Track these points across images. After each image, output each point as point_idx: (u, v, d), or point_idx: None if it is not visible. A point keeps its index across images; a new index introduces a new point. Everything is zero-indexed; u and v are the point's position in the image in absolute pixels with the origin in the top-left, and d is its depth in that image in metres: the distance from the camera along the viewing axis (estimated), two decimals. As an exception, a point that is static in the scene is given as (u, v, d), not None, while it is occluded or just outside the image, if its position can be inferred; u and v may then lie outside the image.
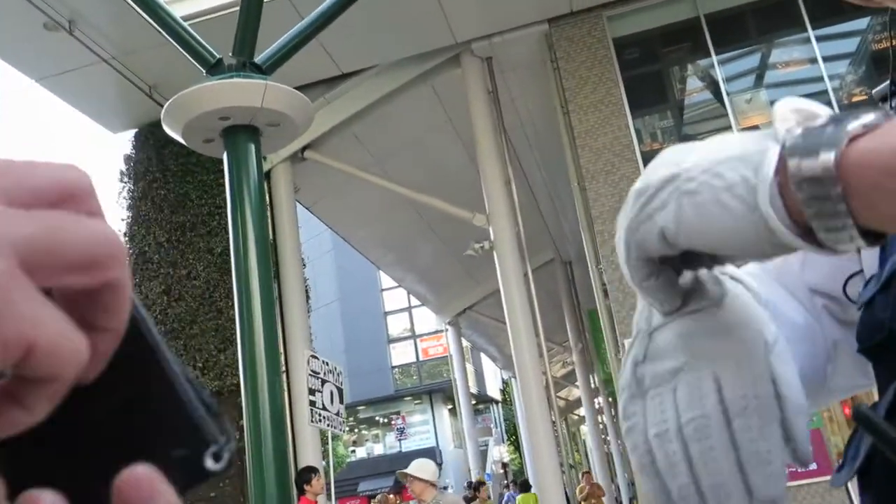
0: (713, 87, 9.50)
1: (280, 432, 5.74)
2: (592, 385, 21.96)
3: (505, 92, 10.52)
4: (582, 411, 25.84)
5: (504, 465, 37.33)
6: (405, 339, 35.00)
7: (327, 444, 8.29)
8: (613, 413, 23.02)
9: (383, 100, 10.41)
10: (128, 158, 10.70)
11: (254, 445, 5.72)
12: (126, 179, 10.62)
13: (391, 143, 11.73)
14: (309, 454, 8.75)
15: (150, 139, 10.35)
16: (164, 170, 10.26)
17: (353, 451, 35.33)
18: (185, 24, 6.04)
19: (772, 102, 9.28)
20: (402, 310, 34.80)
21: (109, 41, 8.91)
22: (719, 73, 9.37)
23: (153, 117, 8.78)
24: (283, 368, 6.86)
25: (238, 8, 6.06)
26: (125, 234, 10.31)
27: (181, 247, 9.87)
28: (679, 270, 0.54)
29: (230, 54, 6.01)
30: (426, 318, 32.47)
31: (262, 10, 6.04)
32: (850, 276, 0.69)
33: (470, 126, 10.09)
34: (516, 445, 35.35)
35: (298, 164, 10.47)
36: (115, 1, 6.82)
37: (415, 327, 34.91)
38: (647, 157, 9.07)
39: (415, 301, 28.57)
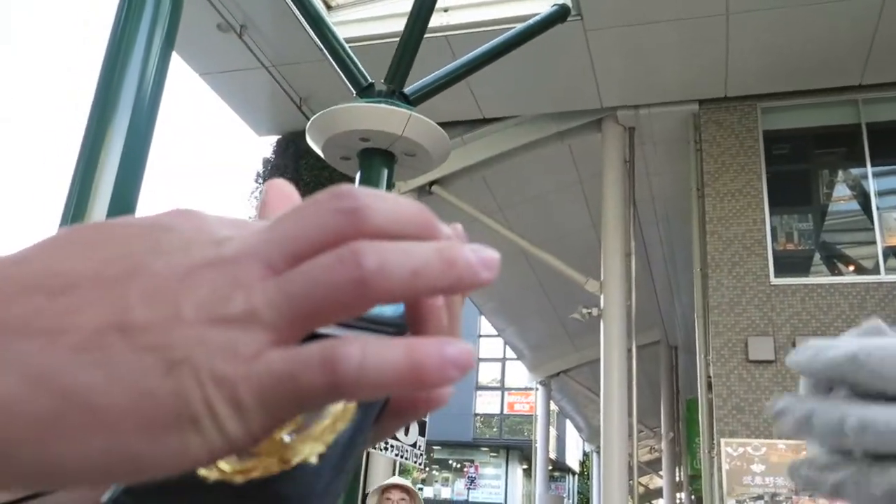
0: (863, 198, 9.05)
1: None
2: (678, 478, 21.02)
3: (641, 164, 10.38)
4: (661, 502, 24.76)
5: (568, 540, 36.18)
6: (493, 389, 34.67)
7: (394, 473, 8.24)
8: (692, 512, 21.92)
9: (518, 150, 10.47)
10: (266, 162, 11.17)
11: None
12: (261, 181, 11.08)
13: (517, 194, 11.75)
14: (378, 480, 8.72)
15: (291, 148, 10.78)
16: (297, 179, 10.64)
17: (421, 490, 35.06)
18: (347, 46, 6.28)
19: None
20: (495, 359, 34.55)
21: (273, 50, 9.38)
22: (872, 186, 8.92)
23: (297, 127, 9.14)
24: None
25: (398, 39, 6.26)
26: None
27: (299, 255, 10.17)
28: None
29: (382, 80, 6.19)
30: (517, 373, 32.08)
31: (420, 45, 6.21)
32: None
33: (599, 191, 10.00)
34: (584, 522, 34.20)
35: (424, 196, 10.63)
36: (286, 13, 7.19)
37: (505, 379, 34.54)
38: (779, 256, 8.69)
39: (509, 353, 28.30)
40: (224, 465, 0.27)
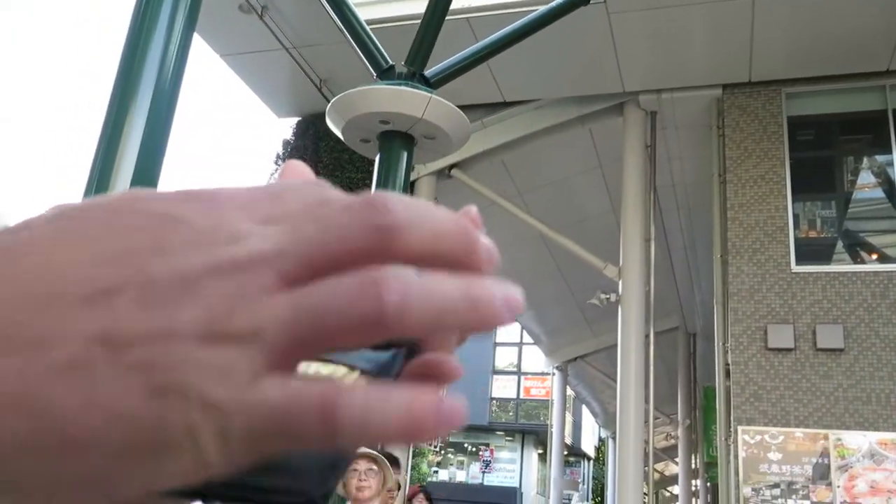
0: (888, 186, 8.93)
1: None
2: (693, 465, 20.99)
3: (663, 149, 10.29)
4: (676, 489, 24.76)
5: (583, 524, 36.30)
6: (510, 373, 34.73)
7: (407, 457, 8.29)
8: (709, 499, 21.91)
9: (539, 134, 10.41)
10: (286, 144, 11.19)
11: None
12: (280, 163, 11.10)
13: (537, 178, 11.71)
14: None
15: (311, 130, 10.79)
16: (317, 161, 10.65)
17: (436, 472, 35.28)
18: (368, 28, 6.26)
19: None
20: (512, 344, 34.58)
21: (294, 31, 9.37)
22: (897, 172, 8.80)
23: (317, 109, 9.14)
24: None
25: (419, 21, 6.23)
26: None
27: (319, 237, 10.20)
28: None
29: (402, 63, 6.17)
30: (534, 358, 32.11)
31: (441, 27, 6.17)
32: None
33: (620, 176, 9.93)
34: (599, 507, 34.29)
35: (444, 180, 10.62)
36: (308, -5, 7.17)
37: (521, 364, 34.58)
38: (801, 244, 8.61)
39: (526, 338, 28.31)
40: None
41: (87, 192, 3.76)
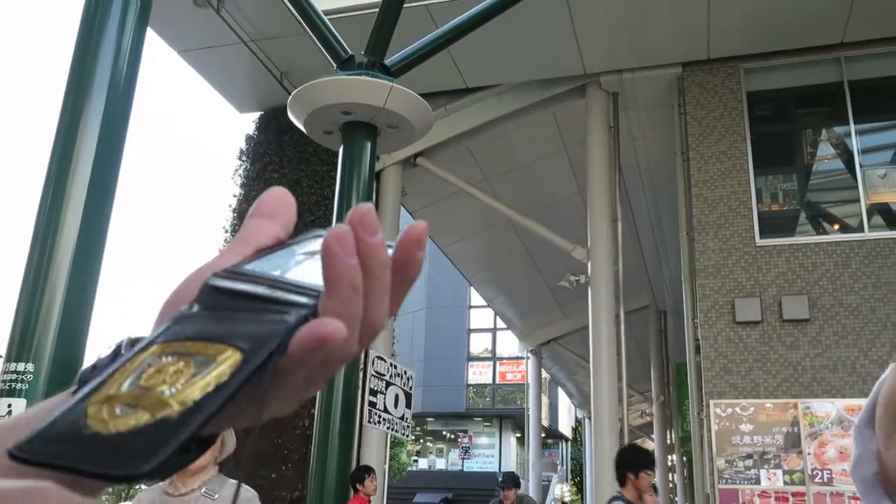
0: (846, 156, 9.07)
1: (348, 426, 5.79)
2: (668, 440, 21.27)
3: (626, 129, 10.36)
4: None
5: (563, 504, 36.62)
6: (485, 359, 34.85)
7: (386, 447, 8.33)
8: (686, 473, 22.22)
9: (502, 119, 10.42)
10: (249, 139, 11.08)
11: (321, 434, 5.78)
12: (244, 158, 11.00)
13: (503, 163, 11.73)
14: (372, 454, 8.78)
15: (273, 124, 10.69)
16: (281, 155, 10.57)
17: (416, 461, 35.36)
18: (325, 18, 6.21)
19: (908, 181, 8.82)
20: (486, 329, 34.68)
21: (251, 25, 9.26)
22: (855, 144, 8.94)
23: (279, 103, 9.06)
24: (362, 366, 6.91)
25: (377, 10, 6.19)
26: (234, 209, 10.67)
27: (285, 231, 10.13)
28: None
29: (362, 53, 6.14)
30: (508, 342, 32.26)
31: (400, 15, 6.15)
32: None
33: (585, 158, 9.99)
34: (579, 487, 34.62)
35: (409, 168, 10.59)
36: (264, -13, 7.09)
37: (496, 349, 34.72)
38: (764, 217, 8.73)
39: (500, 323, 28.42)
40: (104, 415, 0.29)
41: (45, 196, 3.70)
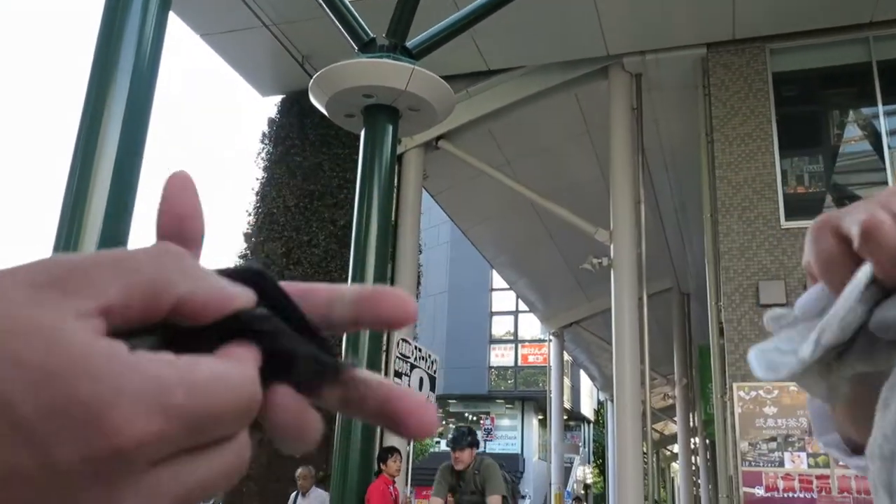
0: (874, 138, 8.93)
1: (370, 410, 5.84)
2: (691, 423, 21.22)
3: (649, 111, 10.27)
4: (676, 448, 25.04)
5: (586, 487, 36.70)
6: (507, 342, 34.91)
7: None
8: (708, 456, 22.17)
9: (524, 101, 10.37)
10: (271, 122, 11.13)
11: (344, 417, 5.83)
12: (266, 142, 11.05)
13: (525, 146, 11.68)
14: (395, 435, 8.84)
15: (295, 107, 10.73)
16: (303, 138, 10.60)
17: (438, 443, 35.57)
18: (347, 1, 6.20)
19: (937, 162, 8.67)
20: (508, 312, 34.72)
21: (273, 8, 9.27)
22: (884, 125, 8.80)
23: (301, 86, 9.07)
24: (384, 347, 6.95)
25: (399, -9, 6.17)
26: (257, 193, 10.74)
27: (307, 214, 10.18)
28: None
29: (384, 35, 6.13)
30: (530, 325, 32.27)
31: (421, -4, 6.12)
32: None
33: (607, 140, 9.92)
34: (601, 469, 34.68)
35: (431, 151, 10.59)
36: (285, -30, 7.09)
37: (518, 332, 34.76)
38: (789, 200, 8.63)
39: (522, 306, 28.42)
40: None
41: (70, 182, 3.74)
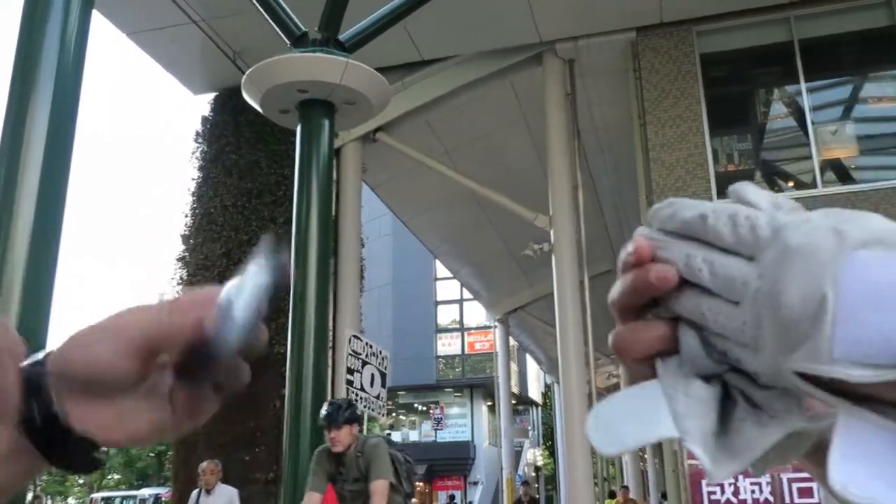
0: (798, 114, 9.23)
1: (319, 405, 5.79)
2: (636, 401, 21.60)
3: (583, 96, 10.40)
4: (621, 426, 25.44)
5: (537, 469, 37.17)
6: (453, 330, 35.05)
7: (363, 423, 8.35)
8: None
9: (460, 91, 10.40)
10: (205, 120, 10.92)
11: (293, 415, 5.79)
12: (200, 141, 10.85)
13: (462, 135, 11.72)
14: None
15: (229, 104, 10.54)
16: (238, 136, 10.44)
17: (389, 435, 35.56)
18: (276, -5, 6.12)
19: (858, 137, 9.00)
20: (453, 301, 34.85)
21: (201, 4, 9.09)
22: (806, 102, 9.09)
23: (234, 83, 8.93)
24: (330, 344, 6.92)
25: (328, -16, 6.11)
26: (193, 193, 10.54)
27: (245, 213, 10.04)
28: None
29: (316, 29, 6.07)
30: (476, 313, 32.44)
31: (351, -11, 6.08)
32: None
33: (543, 126, 10.02)
34: (551, 451, 35.17)
35: (369, 144, 10.54)
36: (211, -35, 6.96)
37: (464, 320, 34.93)
38: (721, 178, 8.86)
39: (466, 294, 28.54)
40: None
41: (-2, 187, 3.63)
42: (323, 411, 4.43)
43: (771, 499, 7.68)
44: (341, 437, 4.31)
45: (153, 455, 35.35)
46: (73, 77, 3.81)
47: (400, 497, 4.35)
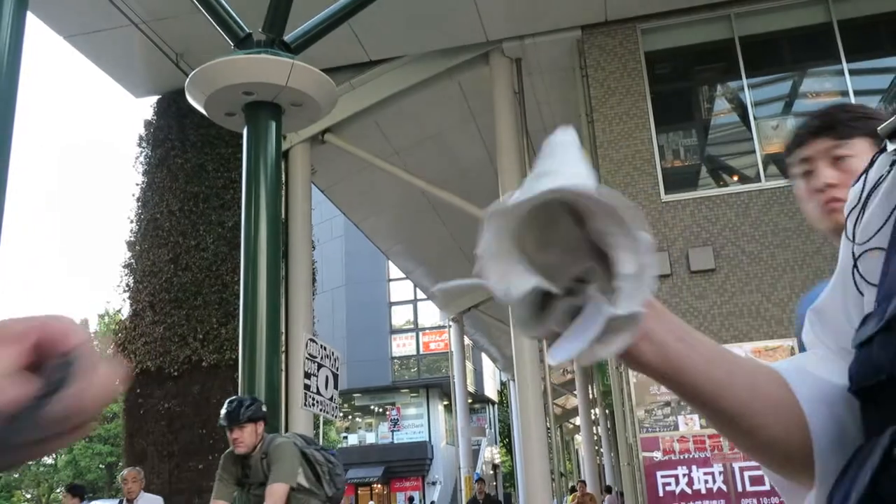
0: (741, 110, 9.42)
1: (273, 411, 5.72)
2: (591, 395, 21.91)
3: (531, 94, 10.47)
4: (578, 420, 25.79)
5: (495, 467, 37.34)
6: (407, 331, 35.01)
7: (319, 427, 8.29)
8: (609, 425, 22.95)
9: (408, 91, 10.37)
10: (148, 124, 10.70)
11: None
12: (144, 145, 10.63)
13: (412, 135, 11.70)
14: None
15: (173, 107, 10.35)
16: (183, 139, 10.26)
17: (346, 438, 35.38)
18: (218, -4, 6.03)
19: (798, 130, 9.23)
20: (406, 301, 34.81)
21: (141, 5, 8.91)
22: (748, 97, 9.29)
23: (177, 85, 8.77)
24: (283, 348, 6.84)
25: (272, -16, 6.04)
26: (138, 199, 10.32)
27: (193, 217, 9.87)
28: None
29: (260, 30, 6.00)
30: (430, 313, 32.47)
31: (296, -11, 6.02)
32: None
33: (492, 125, 10.05)
34: (509, 448, 35.35)
35: (317, 146, 10.46)
36: (151, -34, 6.83)
37: (418, 320, 34.91)
38: (667, 174, 9.00)
39: (420, 294, 28.56)
40: None
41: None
42: (223, 410, 4.00)
43: (724, 487, 7.83)
44: (244, 438, 3.91)
45: (103, 467, 34.59)
46: (9, 81, 3.70)
47: (317, 501, 4.05)
